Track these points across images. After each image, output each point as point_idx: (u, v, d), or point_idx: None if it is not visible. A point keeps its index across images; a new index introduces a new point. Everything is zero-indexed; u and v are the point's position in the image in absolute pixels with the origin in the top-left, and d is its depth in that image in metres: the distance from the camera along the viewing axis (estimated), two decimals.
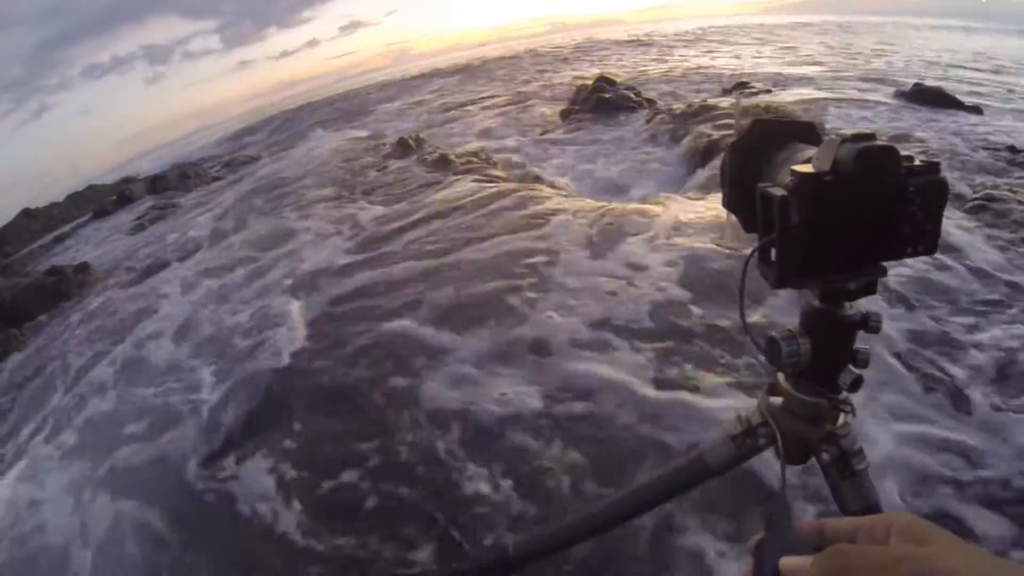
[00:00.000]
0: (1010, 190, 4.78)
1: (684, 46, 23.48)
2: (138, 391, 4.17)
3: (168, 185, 14.01)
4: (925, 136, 6.92)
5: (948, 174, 0.67)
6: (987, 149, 6.11)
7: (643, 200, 5.58)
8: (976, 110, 8.17)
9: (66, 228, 14.79)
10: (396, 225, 5.93)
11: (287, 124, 24.08)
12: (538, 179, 7.19)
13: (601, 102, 10.13)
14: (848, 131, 0.65)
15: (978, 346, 2.92)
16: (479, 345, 3.42)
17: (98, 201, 16.13)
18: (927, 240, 0.66)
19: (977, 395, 2.60)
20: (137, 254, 8.64)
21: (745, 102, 8.83)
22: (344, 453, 2.83)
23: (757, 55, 18.09)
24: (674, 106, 9.41)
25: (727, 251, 3.93)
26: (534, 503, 2.34)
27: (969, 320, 3.14)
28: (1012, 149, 5.98)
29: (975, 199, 4.59)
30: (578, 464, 2.48)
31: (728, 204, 0.85)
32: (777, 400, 0.86)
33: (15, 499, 3.44)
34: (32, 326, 6.96)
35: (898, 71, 12.88)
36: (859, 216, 0.65)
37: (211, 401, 3.65)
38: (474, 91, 18.14)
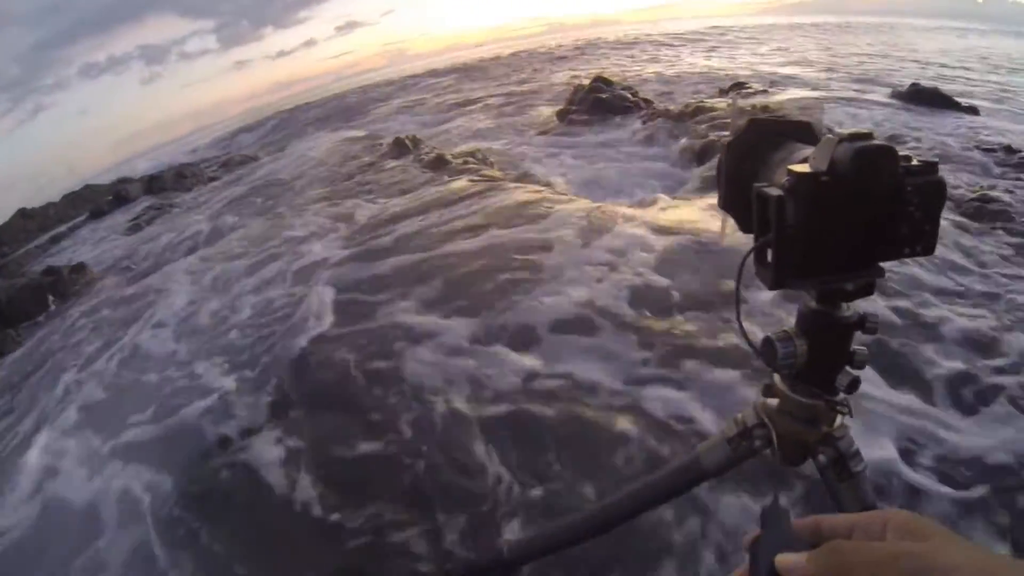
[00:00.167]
0: (1006, 190, 4.79)
1: (681, 46, 23.50)
2: (141, 380, 4.24)
3: (165, 185, 13.97)
4: (921, 136, 6.94)
5: (944, 174, 0.66)
6: (983, 149, 6.12)
7: (639, 202, 5.58)
8: (972, 111, 8.19)
9: (62, 228, 14.74)
10: (392, 222, 5.96)
11: (284, 124, 24.04)
12: (534, 179, 7.18)
13: (598, 102, 10.11)
14: (845, 131, 0.65)
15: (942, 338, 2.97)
16: (464, 329, 3.56)
17: (94, 201, 16.08)
18: (925, 240, 0.66)
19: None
20: (134, 254, 8.61)
21: (741, 102, 8.84)
22: (337, 426, 3.00)
23: (754, 55, 18.13)
24: (671, 107, 9.41)
25: (722, 251, 3.92)
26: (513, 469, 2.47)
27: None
28: (1008, 149, 6.00)
29: (971, 200, 4.60)
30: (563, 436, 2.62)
31: (724, 204, 0.84)
32: (773, 402, 0.85)
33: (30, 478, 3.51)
34: (28, 326, 6.94)
35: (895, 71, 12.92)
36: (856, 216, 0.64)
37: (217, 388, 3.72)
38: (471, 91, 18.12)
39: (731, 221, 0.83)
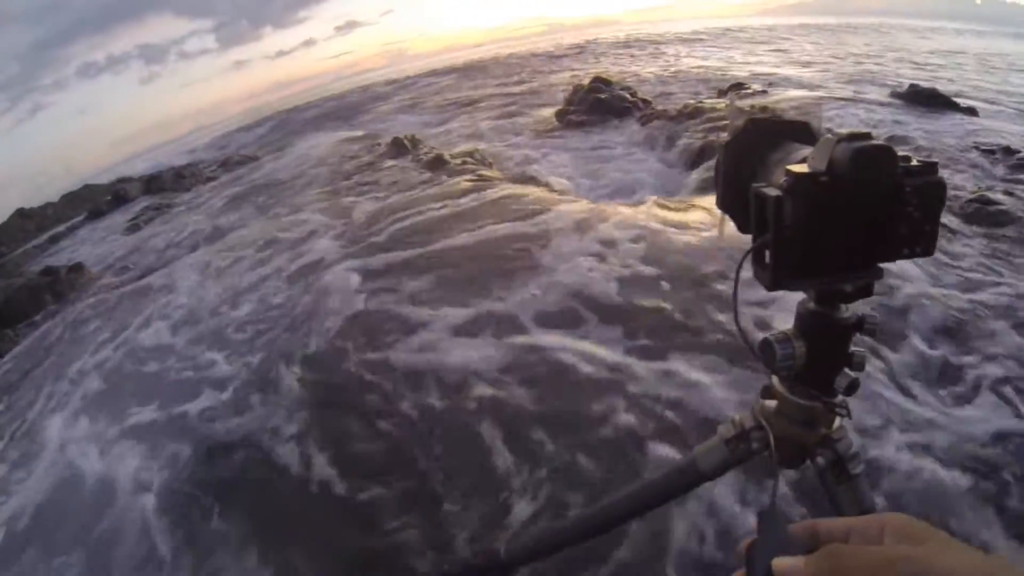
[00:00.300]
0: (1005, 192, 4.79)
1: (680, 47, 23.51)
2: (145, 371, 4.39)
3: (163, 185, 13.97)
4: (919, 137, 6.94)
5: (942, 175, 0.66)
6: (982, 150, 6.13)
7: (636, 202, 5.58)
8: (971, 111, 8.19)
9: (61, 228, 14.75)
10: (390, 220, 6.02)
11: (283, 124, 24.03)
12: (532, 179, 7.17)
13: (597, 103, 10.11)
14: (844, 130, 0.64)
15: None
16: (452, 320, 3.72)
17: (93, 201, 16.08)
18: (924, 241, 0.65)
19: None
20: (132, 254, 8.61)
21: (739, 103, 8.84)
22: (331, 402, 3.23)
23: (753, 56, 18.13)
24: (670, 107, 9.42)
25: (719, 250, 3.92)
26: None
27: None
28: (1007, 151, 6.00)
29: (969, 201, 4.60)
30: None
31: (722, 205, 0.83)
32: (771, 403, 0.85)
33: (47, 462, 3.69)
34: (26, 326, 6.93)
35: (894, 72, 12.92)
36: (855, 217, 0.64)
37: (220, 376, 3.89)
38: (470, 91, 18.11)
39: (729, 221, 0.82)
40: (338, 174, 9.25)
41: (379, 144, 10.81)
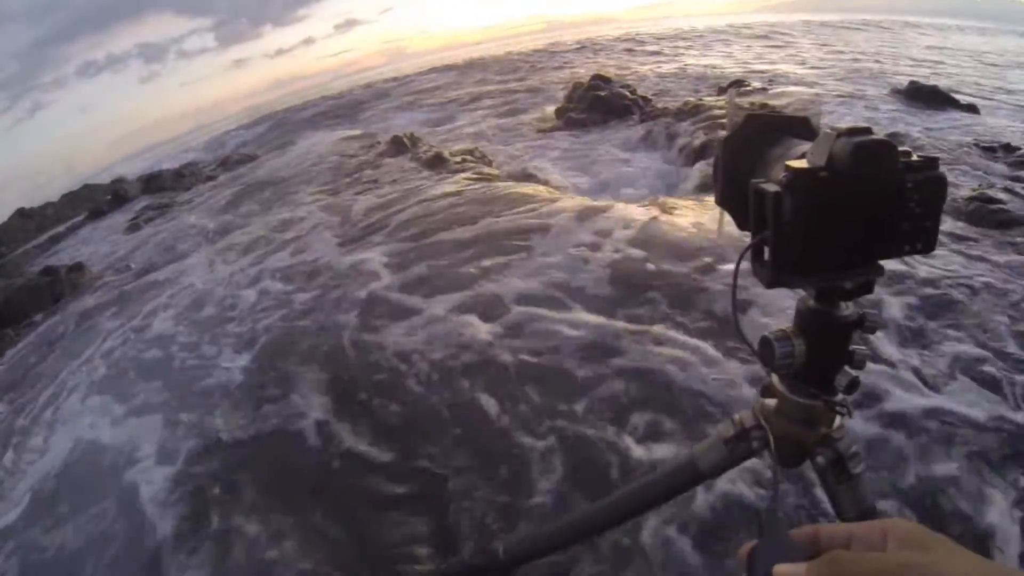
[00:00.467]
0: (1006, 189, 4.78)
1: (679, 44, 23.45)
2: (151, 362, 4.49)
3: (163, 184, 13.96)
4: (920, 134, 6.92)
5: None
6: (982, 148, 6.11)
7: (635, 199, 5.58)
8: (972, 109, 8.17)
9: (61, 228, 14.73)
10: (389, 215, 6.08)
11: (283, 123, 23.99)
12: (532, 177, 7.17)
13: (596, 100, 10.09)
14: (844, 126, 0.63)
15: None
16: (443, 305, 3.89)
17: (93, 200, 16.07)
18: (925, 238, 0.65)
19: None
20: (133, 253, 8.60)
21: (739, 100, 8.82)
22: (329, 379, 3.42)
23: (753, 53, 18.08)
24: (669, 104, 9.40)
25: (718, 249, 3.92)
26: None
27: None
28: (1007, 148, 5.98)
29: (970, 198, 4.58)
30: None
31: (721, 201, 0.83)
32: (771, 402, 0.84)
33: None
34: (26, 326, 6.94)
35: (894, 69, 12.89)
36: (855, 213, 0.63)
37: (225, 363, 4.01)
38: (469, 89, 18.09)
39: (727, 218, 0.81)
40: (338, 172, 9.24)
41: (379, 142, 10.80)
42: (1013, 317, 3.08)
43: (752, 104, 7.85)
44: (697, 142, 7.11)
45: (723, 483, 2.13)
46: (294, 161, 11.71)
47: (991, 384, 2.61)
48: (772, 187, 0.63)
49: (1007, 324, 3.03)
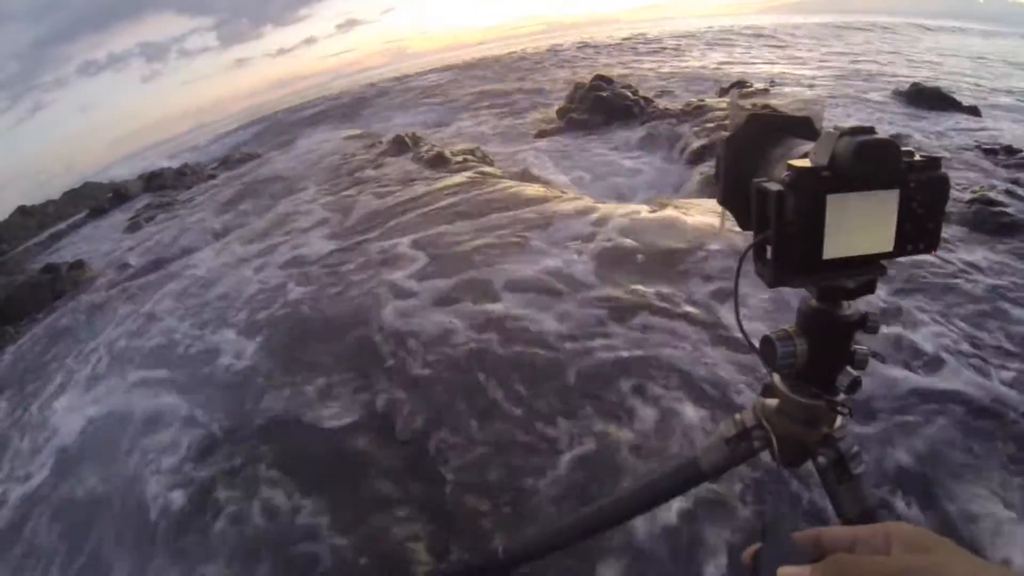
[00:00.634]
0: (1007, 191, 4.77)
1: (681, 45, 23.45)
2: (154, 350, 4.62)
3: (164, 183, 13.96)
4: (921, 135, 6.92)
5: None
6: (984, 150, 6.10)
7: (636, 200, 5.58)
8: (974, 111, 8.16)
9: (62, 226, 14.73)
10: (389, 213, 6.15)
11: (284, 122, 24.01)
12: (533, 177, 7.17)
13: (598, 101, 10.08)
14: (846, 125, 0.63)
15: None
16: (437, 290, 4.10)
17: (94, 198, 16.07)
18: (928, 238, 0.65)
19: None
20: (133, 251, 8.60)
21: (741, 101, 8.82)
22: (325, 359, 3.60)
23: (754, 55, 18.09)
24: (671, 105, 9.40)
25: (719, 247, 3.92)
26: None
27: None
28: (1009, 150, 5.98)
29: (971, 200, 4.58)
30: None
31: (723, 200, 0.82)
32: (772, 402, 0.84)
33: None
34: (27, 323, 6.94)
35: (896, 71, 12.88)
36: None
37: (229, 348, 4.14)
38: (470, 90, 18.10)
39: (730, 217, 0.81)
40: (340, 171, 9.25)
41: (380, 142, 10.81)
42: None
43: (754, 105, 7.85)
44: (699, 143, 7.11)
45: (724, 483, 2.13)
46: (296, 160, 11.71)
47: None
48: (775, 186, 0.63)
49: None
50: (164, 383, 3.96)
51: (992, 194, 4.66)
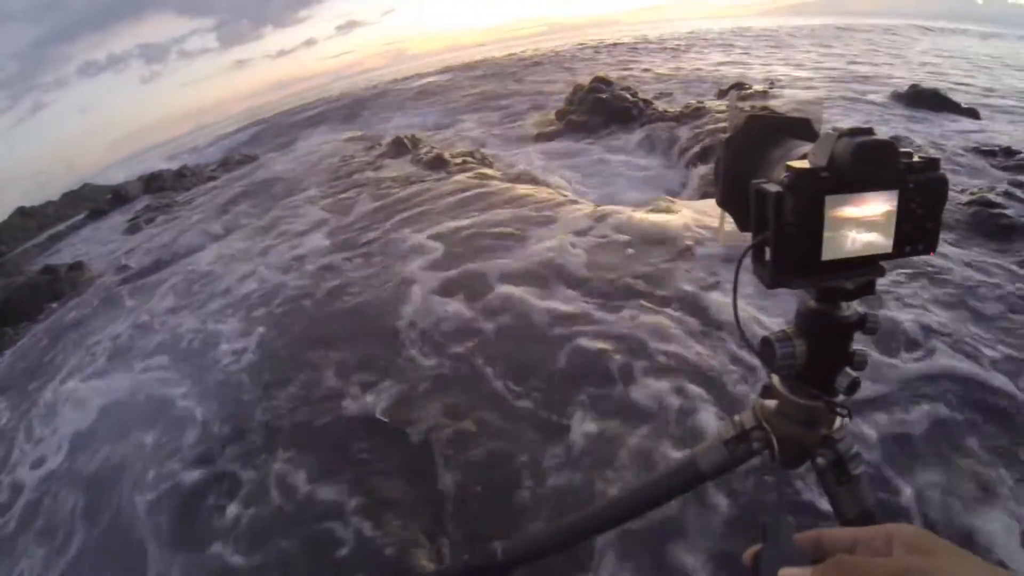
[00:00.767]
0: (1005, 193, 4.77)
1: (680, 48, 23.48)
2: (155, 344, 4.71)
3: (164, 184, 13.96)
4: (920, 137, 6.92)
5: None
6: (982, 151, 6.11)
7: (635, 202, 5.58)
8: (972, 113, 8.17)
9: (61, 227, 14.74)
10: (388, 212, 6.20)
11: (284, 124, 24.03)
12: (532, 179, 7.17)
13: (597, 103, 10.08)
14: (845, 127, 0.63)
15: None
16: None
17: (94, 200, 16.08)
18: (927, 239, 0.65)
19: None
20: (133, 252, 8.60)
21: (740, 102, 8.82)
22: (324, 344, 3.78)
23: (753, 57, 18.11)
24: (670, 107, 9.41)
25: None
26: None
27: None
28: (1008, 152, 5.98)
29: (969, 202, 4.58)
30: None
31: (722, 202, 0.82)
32: (772, 403, 0.84)
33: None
34: (26, 325, 6.93)
35: (895, 73, 12.90)
36: None
37: (235, 347, 4.18)
38: (470, 91, 18.12)
39: (728, 218, 0.81)
40: (339, 172, 9.25)
41: (380, 144, 10.81)
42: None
43: (753, 108, 7.86)
44: (698, 146, 7.11)
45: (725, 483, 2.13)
46: (296, 162, 11.72)
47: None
48: (773, 187, 0.63)
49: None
50: (168, 375, 4.05)
51: (991, 196, 4.66)
